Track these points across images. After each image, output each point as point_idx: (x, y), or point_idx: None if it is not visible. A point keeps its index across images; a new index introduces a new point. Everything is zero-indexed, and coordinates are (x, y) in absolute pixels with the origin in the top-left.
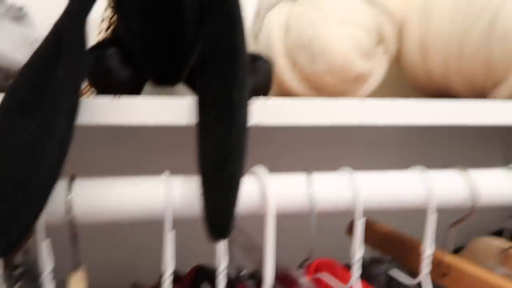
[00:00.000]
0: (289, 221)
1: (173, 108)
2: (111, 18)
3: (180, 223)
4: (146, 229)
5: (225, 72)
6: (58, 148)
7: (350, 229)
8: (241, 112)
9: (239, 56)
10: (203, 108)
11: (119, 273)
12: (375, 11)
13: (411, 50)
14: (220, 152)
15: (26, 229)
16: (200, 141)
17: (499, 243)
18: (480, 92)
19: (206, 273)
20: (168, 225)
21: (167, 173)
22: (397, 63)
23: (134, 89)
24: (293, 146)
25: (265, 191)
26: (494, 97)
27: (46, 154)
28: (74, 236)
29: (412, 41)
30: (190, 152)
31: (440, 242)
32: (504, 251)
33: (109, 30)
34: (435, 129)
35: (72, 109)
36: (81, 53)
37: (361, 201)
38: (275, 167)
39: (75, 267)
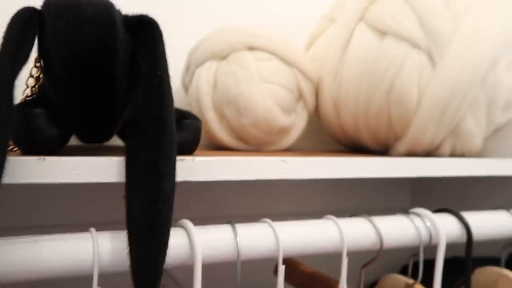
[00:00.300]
0: (220, 267)
1: (102, 167)
2: (38, 75)
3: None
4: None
5: (153, 142)
6: None
7: (276, 269)
8: (168, 179)
9: (166, 127)
10: (131, 172)
11: None
12: (294, 72)
13: (327, 107)
14: (148, 216)
15: None
16: (129, 203)
17: (405, 279)
18: (385, 144)
19: None
20: (95, 281)
21: (93, 229)
22: (317, 117)
23: (61, 145)
24: (219, 191)
25: (192, 244)
26: (396, 150)
27: None
28: None
29: (326, 99)
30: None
31: (357, 280)
32: (409, 287)
33: (36, 87)
34: None
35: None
36: (8, 119)
37: (282, 250)
38: (203, 212)
39: None
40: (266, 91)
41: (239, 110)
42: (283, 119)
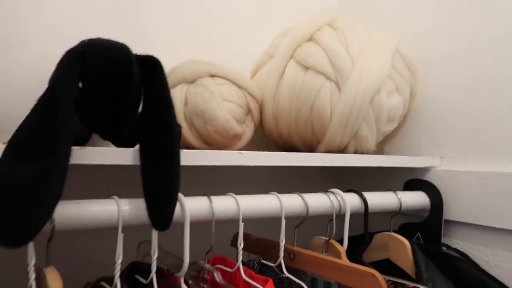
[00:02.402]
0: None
1: (122, 154)
2: None
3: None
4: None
5: (166, 136)
6: (59, 181)
7: (233, 241)
8: (177, 158)
9: (173, 127)
10: (150, 156)
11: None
12: (244, 93)
13: (268, 120)
14: (165, 181)
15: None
16: (147, 175)
17: (324, 238)
18: (310, 147)
19: (138, 267)
20: (120, 229)
21: (116, 196)
22: (261, 128)
23: (87, 141)
24: (199, 179)
25: (183, 208)
26: (318, 151)
27: (54, 182)
28: (49, 240)
29: (268, 114)
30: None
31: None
32: (326, 242)
33: None
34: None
35: (67, 154)
36: (72, 117)
37: (242, 213)
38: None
39: (47, 263)
40: (224, 107)
41: (205, 121)
42: (237, 128)
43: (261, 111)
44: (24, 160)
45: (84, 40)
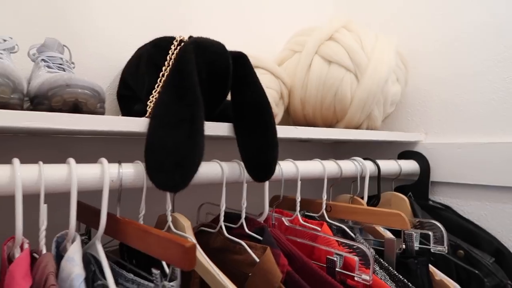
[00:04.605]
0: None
1: (222, 127)
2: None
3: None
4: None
5: (265, 113)
6: (201, 144)
7: (271, 200)
8: (275, 129)
9: (269, 105)
10: (251, 128)
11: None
12: (279, 82)
13: (296, 104)
14: (270, 145)
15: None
16: (247, 143)
17: (349, 195)
18: (330, 125)
19: (228, 215)
20: (224, 184)
21: (217, 160)
22: (286, 110)
23: None
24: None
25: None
26: (337, 127)
27: (198, 143)
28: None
29: (296, 99)
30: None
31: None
32: (352, 198)
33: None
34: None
35: (202, 124)
36: (200, 102)
37: (300, 174)
38: None
39: (172, 211)
40: (268, 93)
41: None
42: (275, 110)
43: (289, 97)
44: (170, 129)
45: (192, 38)
